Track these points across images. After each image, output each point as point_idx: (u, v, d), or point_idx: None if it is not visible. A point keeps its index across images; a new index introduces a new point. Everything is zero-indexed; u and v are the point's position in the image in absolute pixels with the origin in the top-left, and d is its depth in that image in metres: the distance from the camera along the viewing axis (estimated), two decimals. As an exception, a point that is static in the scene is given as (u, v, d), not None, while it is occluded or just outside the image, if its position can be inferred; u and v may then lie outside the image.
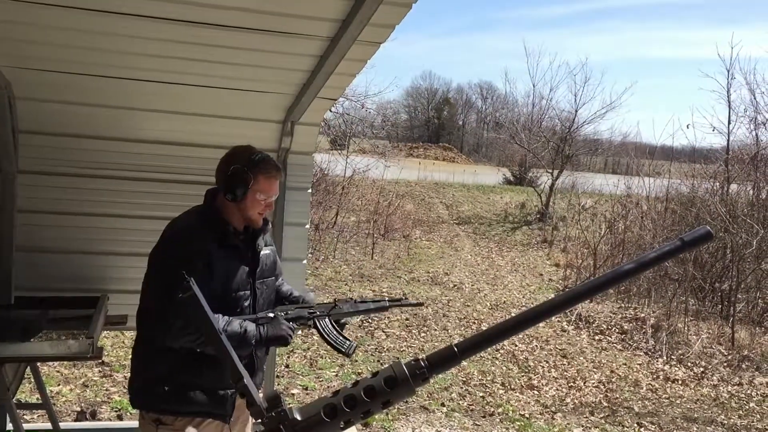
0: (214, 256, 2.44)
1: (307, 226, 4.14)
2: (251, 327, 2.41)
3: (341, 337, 2.64)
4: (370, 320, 8.99)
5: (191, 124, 3.71)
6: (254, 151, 2.58)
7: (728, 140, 15.95)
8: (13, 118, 3.45)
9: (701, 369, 8.43)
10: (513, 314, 1.36)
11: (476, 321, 10.00)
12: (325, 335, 2.63)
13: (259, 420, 1.22)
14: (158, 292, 2.42)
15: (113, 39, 2.83)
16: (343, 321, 2.70)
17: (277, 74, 3.27)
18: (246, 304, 2.56)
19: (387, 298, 2.77)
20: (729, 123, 15.98)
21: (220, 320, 2.36)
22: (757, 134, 15.53)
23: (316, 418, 1.22)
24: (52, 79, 3.26)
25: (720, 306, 11.32)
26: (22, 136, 3.53)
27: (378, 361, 7.35)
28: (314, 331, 2.65)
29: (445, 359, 1.30)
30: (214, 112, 3.66)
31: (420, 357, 1.30)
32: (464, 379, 7.24)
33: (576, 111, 25.29)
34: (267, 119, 3.78)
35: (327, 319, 2.65)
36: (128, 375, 2.69)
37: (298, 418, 1.23)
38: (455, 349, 1.29)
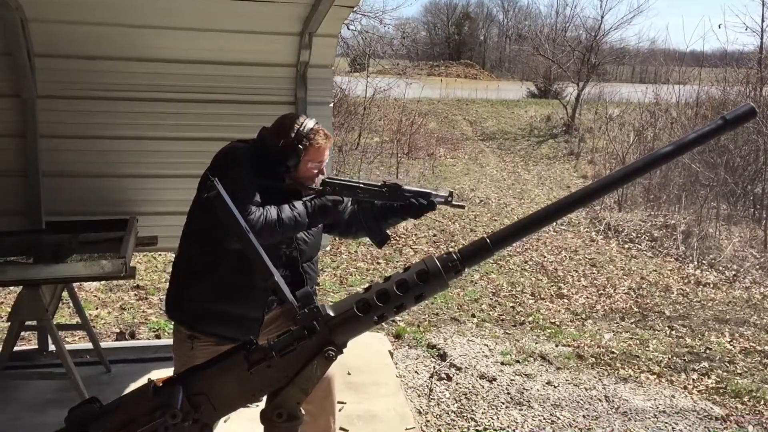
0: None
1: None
2: (299, 204, 2.46)
3: (377, 227, 2.62)
4: (397, 237, 9.03)
5: (207, 40, 3.63)
6: (301, 120, 2.53)
7: (761, 40, 15.27)
8: (27, 42, 3.40)
9: (733, 272, 8.38)
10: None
11: (504, 235, 9.97)
12: (362, 219, 2.62)
13: (292, 317, 1.21)
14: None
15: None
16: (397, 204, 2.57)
17: (292, -19, 3.16)
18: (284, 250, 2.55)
19: (435, 193, 2.61)
20: (762, 21, 15.26)
21: (272, 209, 2.38)
22: (792, 32, 14.90)
23: (350, 313, 1.21)
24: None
25: (752, 210, 11.17)
26: (38, 59, 3.48)
27: (407, 276, 7.40)
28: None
29: (478, 251, 1.26)
30: (229, 26, 3.57)
31: (452, 250, 1.28)
32: (493, 291, 7.29)
33: (602, 18, 24.48)
34: (284, 32, 3.68)
35: (371, 204, 2.60)
36: (163, 297, 2.71)
37: (331, 314, 1.21)
38: (487, 240, 1.26)
